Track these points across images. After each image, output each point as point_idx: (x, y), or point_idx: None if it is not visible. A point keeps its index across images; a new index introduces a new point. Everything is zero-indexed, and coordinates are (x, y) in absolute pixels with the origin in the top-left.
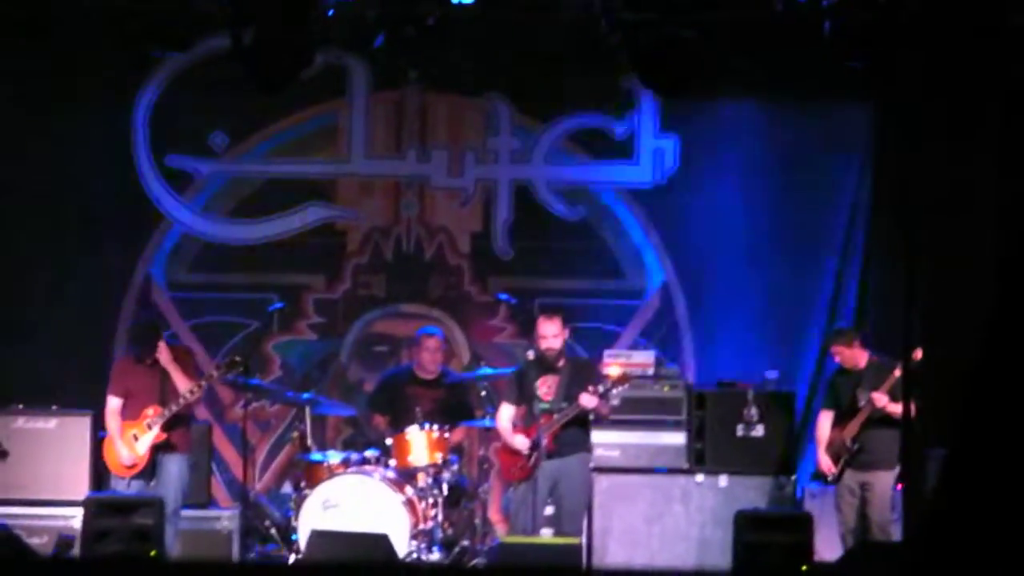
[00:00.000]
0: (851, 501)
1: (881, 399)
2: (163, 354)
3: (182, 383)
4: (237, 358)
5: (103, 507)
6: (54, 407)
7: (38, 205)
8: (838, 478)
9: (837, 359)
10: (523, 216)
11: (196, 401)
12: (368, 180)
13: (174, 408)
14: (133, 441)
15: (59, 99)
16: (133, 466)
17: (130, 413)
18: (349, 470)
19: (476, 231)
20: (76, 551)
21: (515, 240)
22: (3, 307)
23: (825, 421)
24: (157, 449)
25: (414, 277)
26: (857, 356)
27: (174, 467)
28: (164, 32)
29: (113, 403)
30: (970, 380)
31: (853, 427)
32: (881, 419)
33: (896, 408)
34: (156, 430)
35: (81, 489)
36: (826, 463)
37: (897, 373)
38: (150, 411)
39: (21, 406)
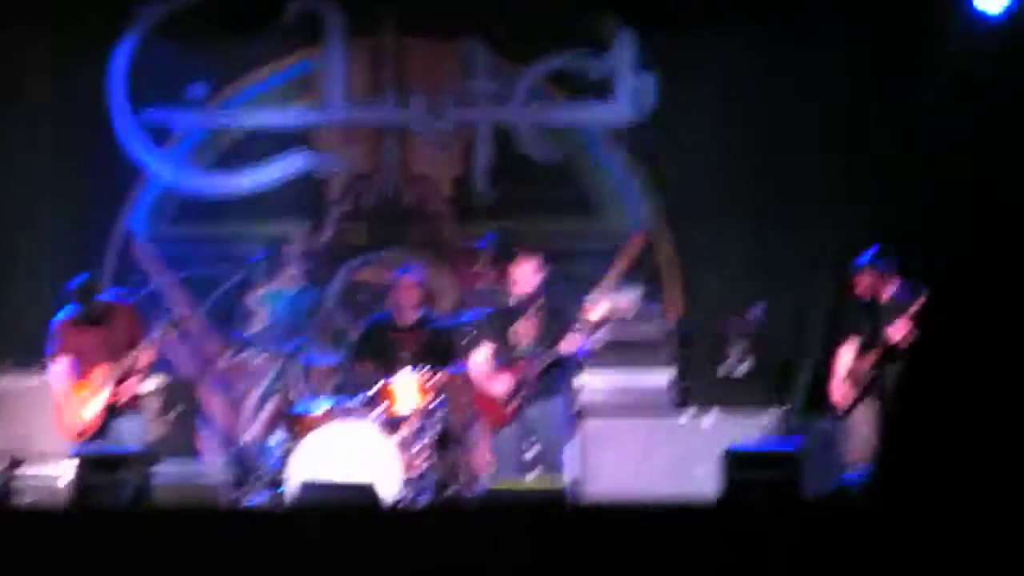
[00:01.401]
0: (863, 433)
1: (896, 333)
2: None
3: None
4: (178, 317)
5: (91, 463)
6: (41, 364)
7: (16, 160)
8: (850, 410)
9: (858, 289)
10: (503, 160)
11: (147, 362)
12: (347, 127)
13: (124, 367)
14: (84, 403)
15: (35, 53)
16: (84, 431)
17: (80, 374)
18: (337, 418)
19: (457, 175)
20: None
21: (496, 184)
22: None
23: (845, 352)
24: (109, 411)
25: (396, 224)
26: (879, 287)
27: (126, 428)
28: None
29: (59, 366)
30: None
31: (870, 359)
32: (897, 353)
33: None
34: (107, 391)
35: (64, 446)
36: (840, 394)
37: (914, 307)
38: (99, 371)
39: (8, 364)
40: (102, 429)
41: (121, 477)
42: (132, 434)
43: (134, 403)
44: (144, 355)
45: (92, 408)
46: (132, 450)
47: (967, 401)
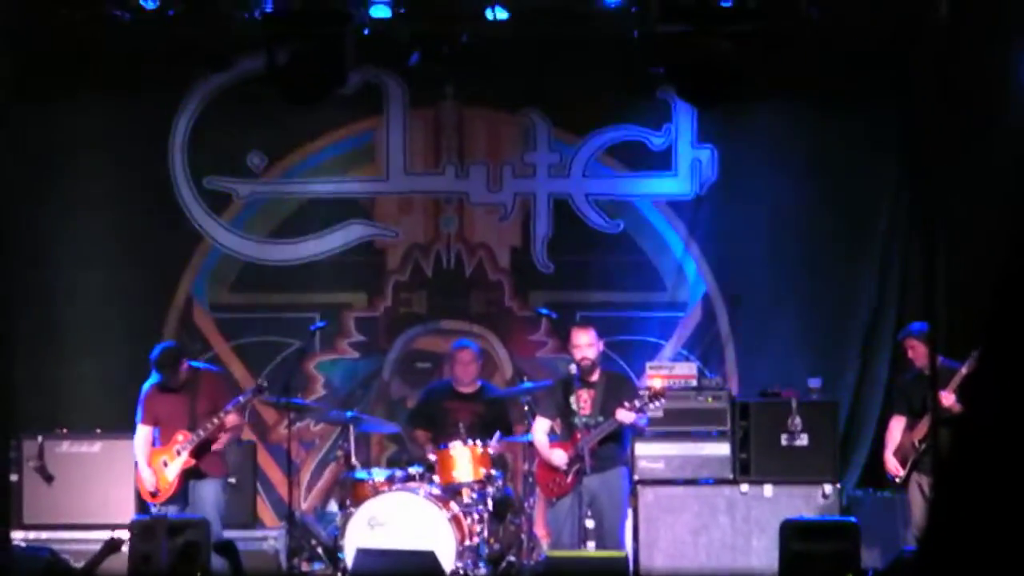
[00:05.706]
0: (920, 503)
1: (948, 399)
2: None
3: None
4: (263, 383)
5: (149, 529)
6: (98, 430)
7: (78, 228)
8: (905, 480)
9: (910, 354)
10: (562, 230)
11: (233, 426)
12: (407, 197)
13: (202, 434)
14: (163, 468)
15: (98, 120)
16: (158, 493)
17: (162, 439)
18: (394, 487)
19: (516, 246)
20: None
21: (555, 254)
22: (46, 331)
23: (896, 425)
24: (187, 475)
25: (455, 293)
26: (931, 355)
27: (206, 492)
28: (202, 53)
29: (141, 432)
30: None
31: (921, 429)
32: (949, 420)
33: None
34: (184, 456)
35: (127, 512)
36: (893, 465)
37: (963, 372)
38: (180, 436)
39: (65, 430)
40: (181, 494)
41: (174, 543)
42: (211, 499)
43: (214, 468)
44: (227, 420)
45: (170, 472)
46: (190, 516)
47: (1015, 475)
